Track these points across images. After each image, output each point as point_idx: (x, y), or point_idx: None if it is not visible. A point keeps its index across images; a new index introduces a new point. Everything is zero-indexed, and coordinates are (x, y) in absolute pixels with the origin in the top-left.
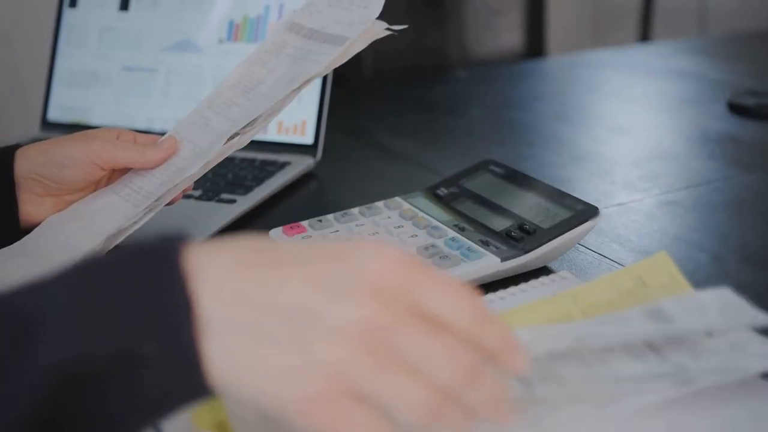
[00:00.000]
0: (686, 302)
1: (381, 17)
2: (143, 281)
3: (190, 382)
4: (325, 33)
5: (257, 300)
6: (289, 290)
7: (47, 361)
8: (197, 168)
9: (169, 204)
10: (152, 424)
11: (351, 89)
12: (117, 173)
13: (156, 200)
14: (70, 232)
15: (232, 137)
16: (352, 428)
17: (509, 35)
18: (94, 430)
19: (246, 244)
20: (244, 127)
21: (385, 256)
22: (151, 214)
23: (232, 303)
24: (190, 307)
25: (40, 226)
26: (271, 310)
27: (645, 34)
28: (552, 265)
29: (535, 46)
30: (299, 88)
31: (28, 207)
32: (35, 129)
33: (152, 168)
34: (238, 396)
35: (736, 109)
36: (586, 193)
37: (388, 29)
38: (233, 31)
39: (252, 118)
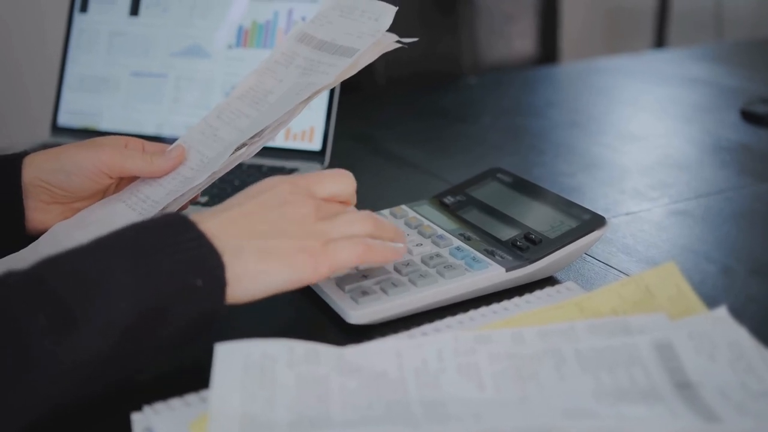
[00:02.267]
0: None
1: (393, 23)
2: (181, 243)
3: (220, 302)
4: (336, 45)
5: (245, 229)
6: (256, 214)
7: (129, 299)
8: (204, 178)
9: None
10: (193, 340)
11: (362, 97)
12: (125, 181)
13: (162, 209)
14: (76, 240)
15: (239, 147)
16: (347, 254)
17: (522, 41)
18: (162, 350)
19: (224, 207)
20: (251, 138)
21: (288, 181)
22: None
23: (233, 235)
24: (217, 254)
25: (46, 233)
26: (254, 232)
27: (660, 41)
28: (558, 276)
29: (547, 52)
30: (308, 100)
31: (35, 214)
32: (45, 134)
33: (160, 177)
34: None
35: (748, 117)
36: (595, 202)
37: (398, 41)
38: (242, 37)
39: (260, 129)
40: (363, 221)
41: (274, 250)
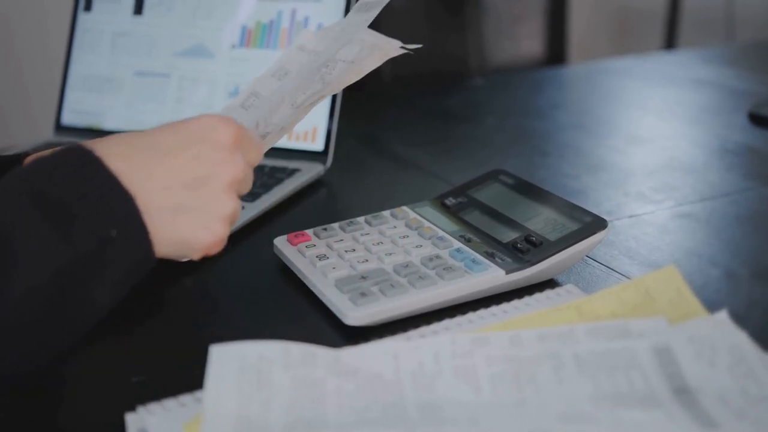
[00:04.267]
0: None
1: (400, 22)
2: (91, 187)
3: (143, 251)
4: (336, 54)
5: (158, 180)
6: (180, 168)
7: (49, 257)
8: None
9: None
10: (122, 295)
11: (367, 97)
12: None
13: None
14: None
15: None
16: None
17: (529, 42)
18: (83, 311)
19: (129, 137)
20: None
21: (226, 121)
22: None
23: (153, 191)
24: (132, 201)
25: None
26: (172, 187)
27: (670, 42)
28: (559, 279)
29: (555, 53)
30: (311, 105)
31: None
32: (49, 133)
33: None
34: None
35: (756, 119)
36: (599, 205)
37: (402, 47)
38: (246, 37)
39: (262, 141)
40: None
41: (186, 221)
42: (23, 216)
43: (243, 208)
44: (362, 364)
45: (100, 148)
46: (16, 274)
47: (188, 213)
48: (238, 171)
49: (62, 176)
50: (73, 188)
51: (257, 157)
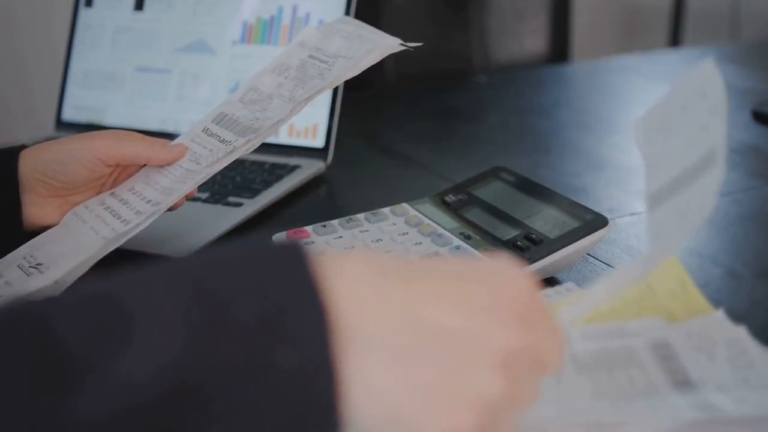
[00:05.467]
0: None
1: (403, 20)
2: (271, 279)
3: (325, 406)
4: (336, 51)
5: (401, 315)
6: (438, 307)
7: (155, 360)
8: (198, 179)
9: (170, 209)
10: None
11: (370, 94)
12: (123, 175)
13: (156, 205)
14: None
15: (231, 150)
16: None
17: (533, 40)
18: None
19: (376, 253)
20: (248, 136)
21: (519, 280)
22: (154, 217)
23: (372, 315)
24: (327, 317)
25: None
26: (417, 328)
27: (675, 39)
28: (559, 277)
29: (559, 51)
30: (309, 99)
31: (32, 209)
32: (50, 129)
33: (157, 165)
34: (367, 427)
35: (760, 118)
36: (600, 203)
37: (402, 44)
38: (246, 33)
39: (256, 133)
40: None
41: (414, 385)
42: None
43: (242, 204)
44: None
45: (328, 263)
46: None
47: (421, 381)
48: (510, 347)
49: (243, 265)
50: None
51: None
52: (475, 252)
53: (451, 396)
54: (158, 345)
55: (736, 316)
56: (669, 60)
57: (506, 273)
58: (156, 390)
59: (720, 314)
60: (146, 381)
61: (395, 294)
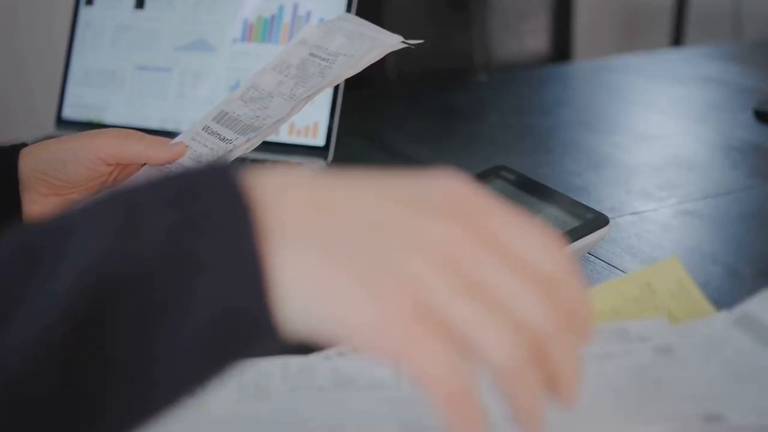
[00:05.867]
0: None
1: (404, 18)
2: (196, 186)
3: (252, 302)
4: (337, 49)
5: (328, 210)
6: (366, 203)
7: (80, 263)
8: None
9: None
10: (202, 378)
11: (371, 92)
12: (123, 174)
13: None
14: None
15: (231, 149)
16: (426, 361)
17: (535, 39)
18: (134, 365)
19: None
20: (249, 135)
21: (460, 181)
22: None
23: (299, 212)
24: (252, 213)
25: None
26: (345, 222)
27: (677, 38)
28: None
29: (561, 50)
30: (309, 98)
31: (33, 207)
32: (50, 127)
33: (158, 164)
34: (299, 327)
35: (762, 117)
36: (601, 202)
37: (403, 42)
38: (247, 31)
39: (257, 132)
40: (544, 305)
41: (349, 272)
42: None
43: None
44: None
45: (249, 174)
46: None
47: (351, 263)
48: (453, 244)
49: (174, 180)
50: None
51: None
52: None
53: (382, 286)
54: (84, 254)
55: None
56: (671, 59)
57: (445, 175)
58: (82, 295)
59: (725, 315)
60: (72, 286)
61: (323, 192)
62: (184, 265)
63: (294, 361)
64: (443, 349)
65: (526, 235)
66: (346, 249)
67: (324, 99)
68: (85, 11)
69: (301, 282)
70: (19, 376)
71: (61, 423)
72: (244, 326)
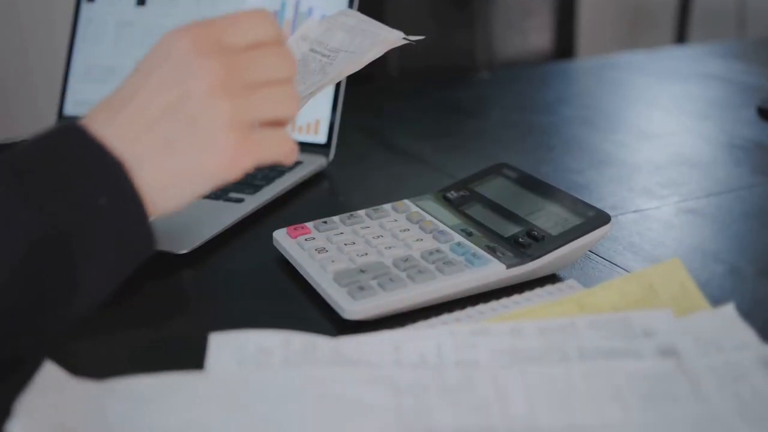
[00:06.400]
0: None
1: (407, 14)
2: (74, 156)
3: (135, 222)
4: (338, 45)
5: (146, 129)
6: (153, 103)
7: (19, 229)
8: None
9: None
10: (116, 279)
11: (373, 90)
12: None
13: None
14: None
15: None
16: (272, 147)
17: (538, 36)
18: (69, 291)
19: (117, 103)
20: None
21: (190, 35)
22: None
23: (133, 140)
24: (119, 164)
25: None
26: (154, 124)
27: (681, 36)
28: (561, 274)
29: (564, 47)
30: (311, 95)
31: None
32: (52, 123)
33: None
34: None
35: (765, 114)
36: (603, 200)
37: (405, 38)
38: None
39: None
40: (290, 99)
41: (181, 150)
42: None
43: (243, 200)
44: (362, 355)
45: (83, 119)
46: None
47: (181, 141)
48: (212, 75)
49: (42, 150)
50: (53, 160)
51: (255, 32)
52: (477, 249)
53: (208, 136)
54: (16, 221)
55: (740, 313)
56: (674, 57)
57: (174, 32)
58: (14, 256)
59: (729, 309)
60: (12, 250)
61: (131, 118)
62: (90, 216)
63: (296, 339)
64: (271, 134)
65: (238, 26)
66: (168, 137)
67: (326, 96)
68: (86, 8)
69: (158, 177)
70: None
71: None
72: (133, 233)
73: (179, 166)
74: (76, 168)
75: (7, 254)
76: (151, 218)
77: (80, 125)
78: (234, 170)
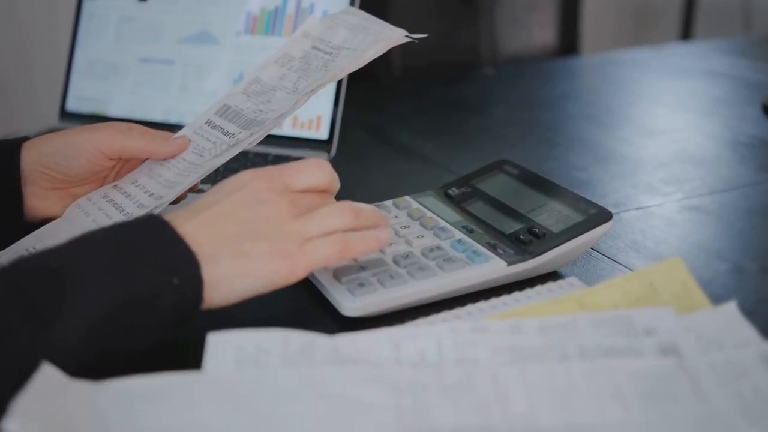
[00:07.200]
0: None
1: (411, 11)
2: (157, 242)
3: (195, 301)
4: (340, 42)
5: (221, 232)
6: (231, 214)
7: (102, 294)
8: (202, 172)
9: (174, 203)
10: (172, 334)
11: (376, 86)
12: (125, 168)
13: (158, 198)
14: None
15: (234, 143)
16: (324, 253)
17: (543, 32)
18: (138, 342)
19: (199, 208)
20: (252, 130)
21: (262, 176)
22: (157, 211)
23: (210, 242)
24: (192, 255)
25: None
26: (230, 230)
27: (686, 33)
28: (562, 271)
29: (568, 43)
30: (313, 91)
31: (34, 201)
32: (54, 119)
33: (160, 158)
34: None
35: None
36: (606, 197)
37: (407, 36)
38: (250, 24)
39: (260, 126)
40: (341, 213)
41: (249, 253)
42: (86, 260)
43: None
44: (362, 354)
45: (166, 216)
46: (70, 304)
47: (253, 250)
48: (283, 206)
49: (133, 231)
50: (144, 241)
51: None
52: (478, 246)
53: (275, 252)
54: (94, 290)
55: (743, 312)
56: (679, 54)
57: (250, 172)
58: (100, 314)
59: (732, 307)
60: (93, 312)
61: (212, 222)
62: (164, 292)
63: (295, 338)
64: (324, 242)
65: (301, 174)
66: (240, 244)
67: (327, 92)
68: (88, 3)
69: (227, 281)
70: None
71: None
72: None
73: (241, 277)
74: (157, 252)
75: (92, 315)
76: (203, 307)
77: (162, 218)
78: (291, 277)
